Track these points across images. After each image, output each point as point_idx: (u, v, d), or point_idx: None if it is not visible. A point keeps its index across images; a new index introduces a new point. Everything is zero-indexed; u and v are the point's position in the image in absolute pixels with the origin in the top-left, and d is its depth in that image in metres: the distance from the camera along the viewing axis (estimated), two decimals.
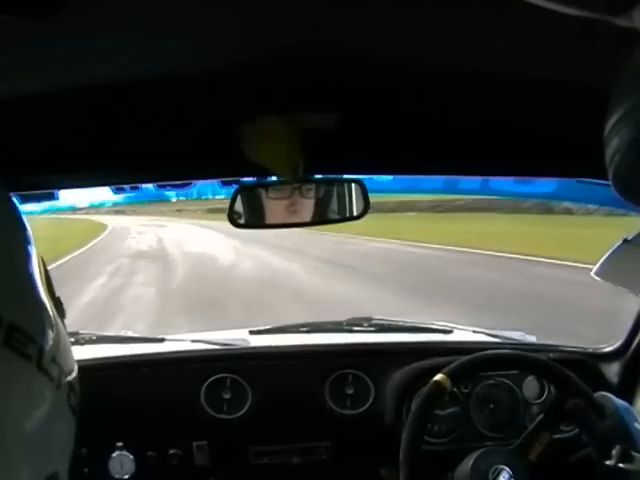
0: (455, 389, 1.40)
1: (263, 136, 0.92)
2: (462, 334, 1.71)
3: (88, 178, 1.06)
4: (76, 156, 0.95)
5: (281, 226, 1.13)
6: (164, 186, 1.14)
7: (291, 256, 11.60)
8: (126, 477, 1.42)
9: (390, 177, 1.57)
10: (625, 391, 1.47)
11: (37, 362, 0.45)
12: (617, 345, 1.54)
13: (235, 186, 1.08)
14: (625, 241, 1.26)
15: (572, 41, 0.67)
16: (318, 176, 1.09)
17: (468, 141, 1.00)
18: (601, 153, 0.36)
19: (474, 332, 1.72)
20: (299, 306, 6.56)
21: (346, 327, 1.71)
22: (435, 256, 11.23)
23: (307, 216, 1.10)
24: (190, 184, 1.16)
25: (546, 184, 1.52)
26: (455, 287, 7.71)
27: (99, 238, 18.25)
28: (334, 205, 1.12)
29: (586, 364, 1.50)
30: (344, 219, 1.13)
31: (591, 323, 4.40)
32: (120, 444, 1.41)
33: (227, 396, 1.47)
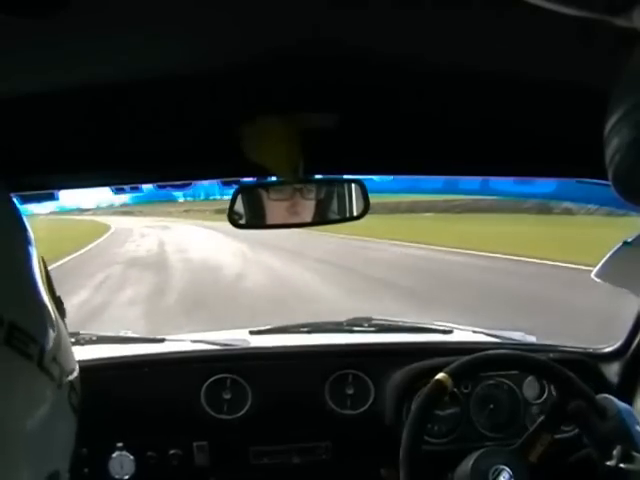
0: (455, 389, 1.40)
1: (263, 136, 0.92)
2: (462, 334, 1.71)
3: (88, 178, 1.06)
4: (76, 156, 0.95)
5: (282, 226, 1.13)
6: (164, 186, 1.13)
7: (308, 265, 10.11)
8: (126, 477, 1.42)
9: (390, 177, 1.57)
10: (625, 391, 1.46)
11: (38, 361, 0.45)
12: (617, 345, 1.54)
13: (235, 186, 1.08)
14: (625, 243, 1.27)
15: (572, 41, 0.67)
16: (318, 176, 1.09)
17: (468, 141, 1.00)
18: (601, 153, 0.36)
19: (474, 332, 1.72)
20: None
21: (346, 327, 1.71)
22: (480, 267, 9.45)
23: (308, 217, 1.10)
24: (190, 184, 1.16)
25: (546, 184, 1.52)
26: (533, 310, 5.62)
27: (97, 241, 17.28)
28: (334, 205, 1.12)
29: (586, 364, 1.50)
30: (344, 219, 1.13)
31: None
32: (120, 444, 1.41)
33: (227, 396, 1.47)
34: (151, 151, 0.97)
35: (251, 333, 1.67)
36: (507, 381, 1.48)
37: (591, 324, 4.27)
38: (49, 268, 0.54)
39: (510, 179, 1.41)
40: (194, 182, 1.17)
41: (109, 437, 1.40)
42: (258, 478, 1.48)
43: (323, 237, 13.03)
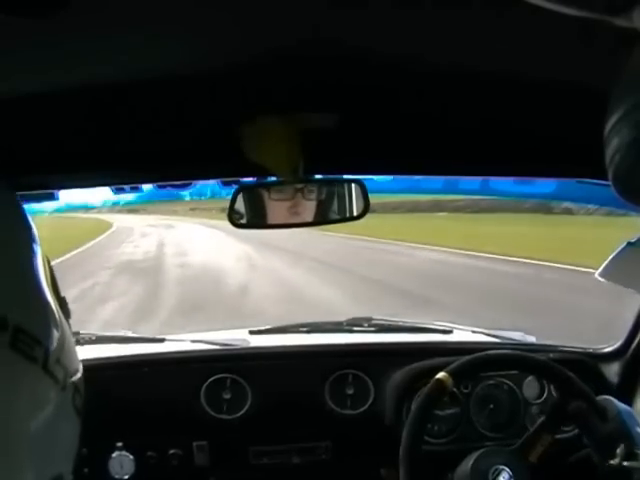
0: (455, 389, 1.40)
1: (263, 136, 0.92)
2: (462, 334, 1.71)
3: (88, 178, 1.06)
4: (76, 156, 0.95)
5: (282, 226, 1.13)
6: (164, 186, 1.13)
7: (328, 276, 8.67)
8: (126, 477, 1.42)
9: (390, 177, 1.57)
10: (625, 391, 1.47)
11: (43, 364, 0.45)
12: (617, 345, 1.54)
13: (235, 186, 1.08)
14: (629, 243, 1.27)
15: (572, 41, 0.67)
16: (318, 176, 1.09)
17: (468, 141, 1.00)
18: (601, 153, 0.36)
19: (474, 332, 1.72)
20: None
21: (346, 327, 1.71)
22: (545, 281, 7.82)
23: (308, 216, 1.10)
24: (190, 184, 1.16)
25: (546, 184, 1.52)
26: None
27: (94, 241, 16.26)
28: (334, 205, 1.13)
29: (586, 364, 1.50)
30: (344, 219, 1.13)
31: None
32: (120, 444, 1.41)
33: (227, 396, 1.47)
34: (151, 151, 0.97)
35: (251, 333, 1.67)
36: (507, 381, 1.48)
37: None
38: None
39: (510, 179, 1.42)
40: (194, 182, 1.17)
41: (109, 437, 1.40)
42: (258, 478, 1.48)
43: (338, 238, 12.34)
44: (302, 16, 0.68)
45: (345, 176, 1.10)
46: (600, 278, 1.29)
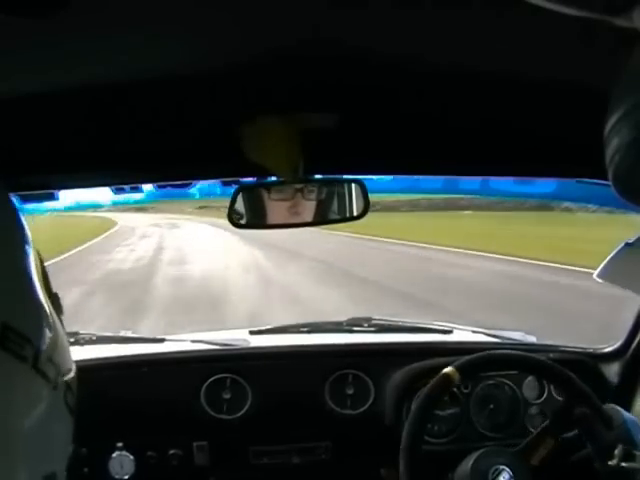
0: (456, 389, 1.40)
1: (263, 136, 0.92)
2: (462, 334, 1.71)
3: (88, 178, 1.06)
4: (76, 156, 0.95)
5: (282, 226, 1.13)
6: (164, 186, 1.13)
7: (366, 295, 6.71)
8: (126, 477, 1.42)
9: (390, 177, 1.57)
10: (625, 391, 1.47)
11: (33, 363, 0.45)
12: (617, 345, 1.54)
13: (235, 186, 1.08)
14: (627, 244, 1.27)
15: (572, 41, 0.67)
16: (318, 176, 1.09)
17: (468, 141, 1.00)
18: (601, 153, 0.36)
19: (474, 332, 1.72)
20: None
21: (346, 327, 1.71)
22: None
23: (308, 216, 1.10)
24: (190, 184, 1.16)
25: (546, 184, 1.52)
26: None
27: (89, 243, 14.88)
28: (335, 205, 1.13)
29: (586, 364, 1.50)
30: (344, 219, 1.13)
31: None
32: (120, 444, 1.41)
33: (227, 396, 1.47)
34: (151, 151, 0.97)
35: (251, 333, 1.67)
36: (507, 381, 1.48)
37: None
38: None
39: (510, 179, 1.41)
40: (194, 182, 1.17)
41: (109, 437, 1.40)
42: (258, 478, 1.48)
43: (367, 244, 11.09)
44: (302, 16, 0.68)
45: (345, 176, 1.10)
46: (598, 279, 1.29)
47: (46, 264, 0.54)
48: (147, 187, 1.14)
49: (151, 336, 1.68)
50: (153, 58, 0.80)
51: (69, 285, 7.43)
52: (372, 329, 1.70)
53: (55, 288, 0.52)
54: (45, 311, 0.49)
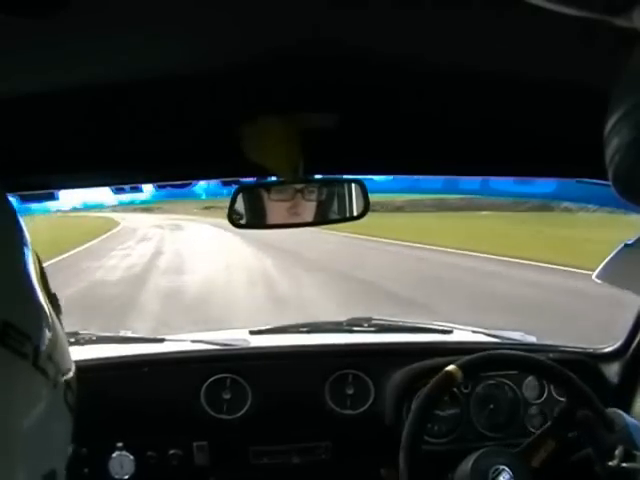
0: (455, 389, 1.40)
1: (263, 136, 0.92)
2: (462, 334, 1.71)
3: (88, 178, 1.06)
4: (76, 156, 0.95)
5: (282, 226, 1.13)
6: (164, 186, 1.13)
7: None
8: (126, 477, 1.42)
9: (390, 177, 1.57)
10: (625, 391, 1.46)
11: (33, 360, 0.45)
12: (617, 345, 1.54)
13: (235, 186, 1.08)
14: (626, 245, 1.27)
15: (572, 41, 0.67)
16: (318, 176, 1.09)
17: (468, 141, 1.00)
18: (601, 153, 0.36)
19: (474, 332, 1.72)
20: None
21: (346, 327, 1.71)
22: None
23: (308, 217, 1.10)
24: (190, 184, 1.16)
25: (546, 184, 1.52)
26: None
27: (83, 247, 13.71)
28: (335, 206, 1.13)
29: (586, 364, 1.50)
30: (344, 219, 1.13)
31: None
32: (120, 444, 1.41)
33: (227, 396, 1.47)
34: (151, 151, 0.97)
35: (251, 333, 1.67)
36: (507, 381, 1.48)
37: None
38: None
39: (510, 179, 1.41)
40: (194, 182, 1.17)
41: (109, 437, 1.40)
42: (258, 478, 1.48)
43: (390, 250, 10.17)
44: (302, 16, 0.68)
45: (345, 176, 1.10)
46: (597, 280, 1.29)
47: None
48: (149, 187, 1.14)
49: (151, 336, 1.68)
50: (153, 58, 0.80)
51: None
52: (372, 329, 1.70)
53: None
54: (44, 311, 0.49)
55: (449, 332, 1.69)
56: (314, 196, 1.09)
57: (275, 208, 1.09)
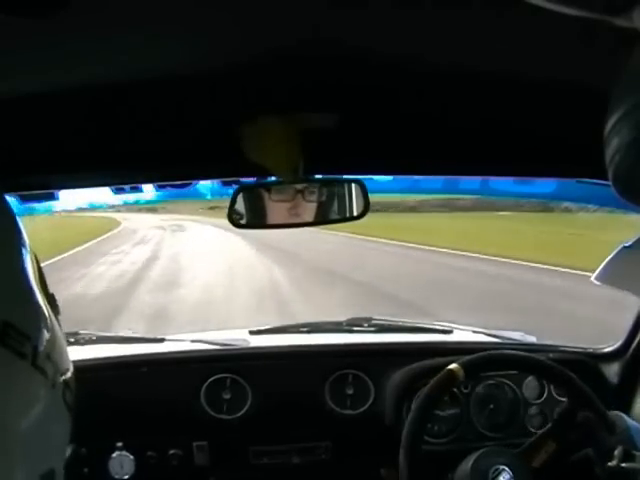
0: (455, 389, 1.40)
1: (263, 136, 0.92)
2: (462, 334, 1.71)
3: (88, 178, 1.06)
4: (76, 156, 0.95)
5: (282, 226, 1.13)
6: (164, 186, 1.14)
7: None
8: (126, 477, 1.42)
9: (390, 177, 1.57)
10: (625, 391, 1.46)
11: (32, 360, 0.45)
12: (617, 345, 1.54)
13: (235, 186, 1.08)
14: (624, 247, 1.27)
15: (572, 41, 0.67)
16: (318, 176, 1.09)
17: (468, 141, 1.00)
18: (601, 153, 0.36)
19: (474, 332, 1.72)
20: None
21: (346, 327, 1.71)
22: None
23: (308, 217, 1.11)
24: (190, 184, 1.16)
25: (546, 184, 1.52)
26: None
27: (75, 250, 12.70)
28: (335, 206, 1.13)
29: (586, 364, 1.50)
30: (344, 219, 1.14)
31: None
32: (120, 444, 1.41)
33: (227, 396, 1.47)
34: (151, 151, 0.97)
35: (251, 333, 1.67)
36: (507, 381, 1.48)
37: None
38: None
39: (510, 179, 1.42)
40: (194, 182, 1.17)
41: (109, 437, 1.40)
42: (258, 478, 1.48)
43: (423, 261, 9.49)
44: (302, 16, 0.68)
45: (345, 176, 1.11)
46: (596, 282, 1.29)
47: None
48: (150, 187, 1.14)
49: (151, 336, 1.68)
50: (153, 58, 0.80)
51: None
52: (372, 329, 1.70)
53: None
54: (43, 311, 0.49)
55: (449, 332, 1.69)
56: (314, 197, 1.09)
57: (275, 208, 1.09)
